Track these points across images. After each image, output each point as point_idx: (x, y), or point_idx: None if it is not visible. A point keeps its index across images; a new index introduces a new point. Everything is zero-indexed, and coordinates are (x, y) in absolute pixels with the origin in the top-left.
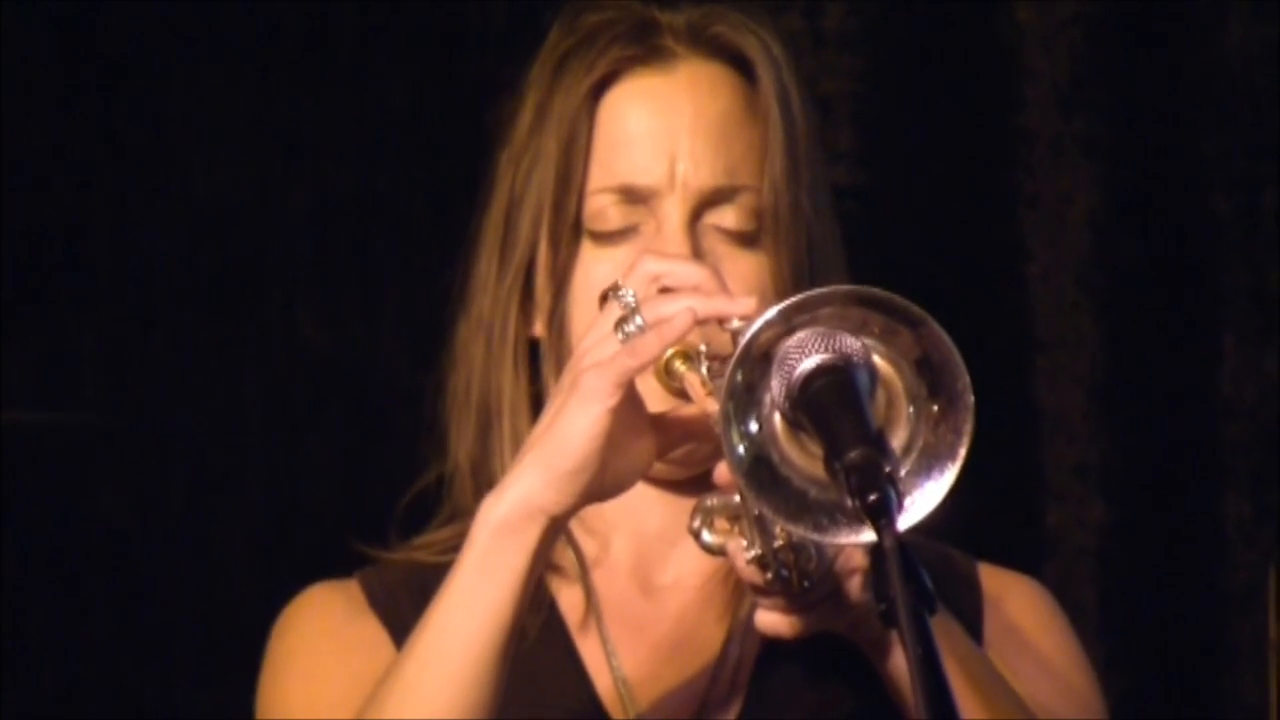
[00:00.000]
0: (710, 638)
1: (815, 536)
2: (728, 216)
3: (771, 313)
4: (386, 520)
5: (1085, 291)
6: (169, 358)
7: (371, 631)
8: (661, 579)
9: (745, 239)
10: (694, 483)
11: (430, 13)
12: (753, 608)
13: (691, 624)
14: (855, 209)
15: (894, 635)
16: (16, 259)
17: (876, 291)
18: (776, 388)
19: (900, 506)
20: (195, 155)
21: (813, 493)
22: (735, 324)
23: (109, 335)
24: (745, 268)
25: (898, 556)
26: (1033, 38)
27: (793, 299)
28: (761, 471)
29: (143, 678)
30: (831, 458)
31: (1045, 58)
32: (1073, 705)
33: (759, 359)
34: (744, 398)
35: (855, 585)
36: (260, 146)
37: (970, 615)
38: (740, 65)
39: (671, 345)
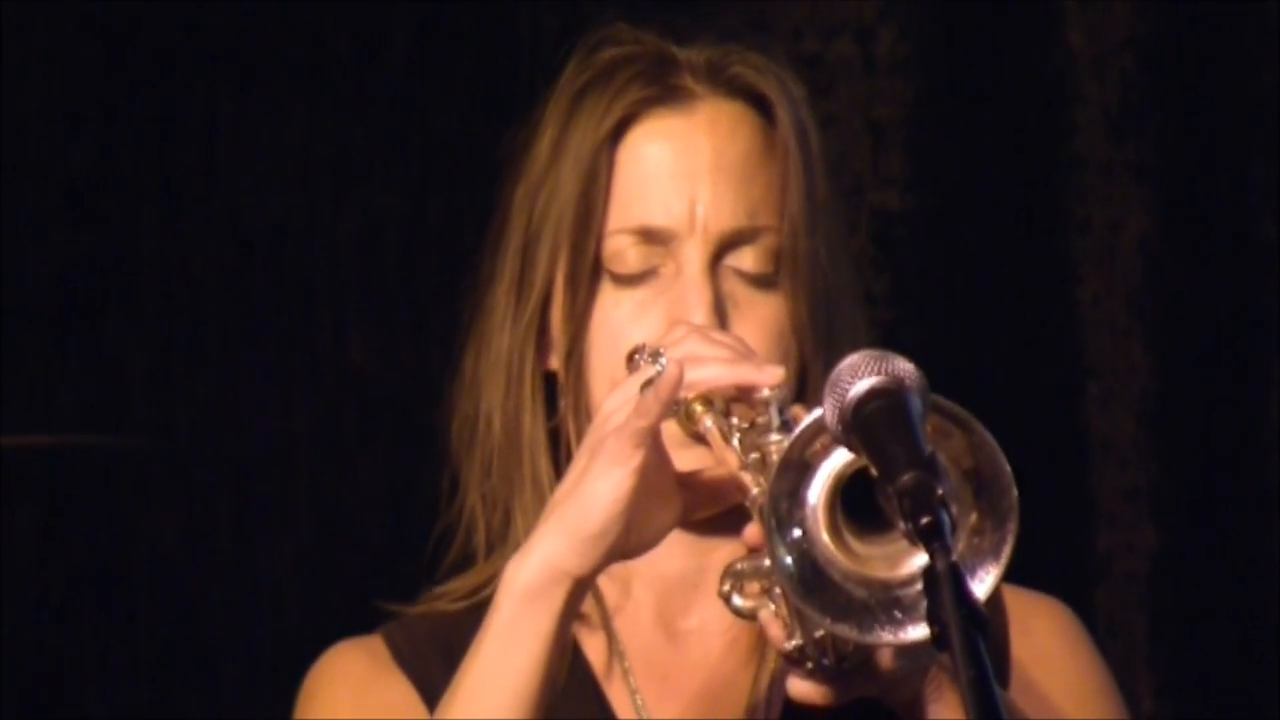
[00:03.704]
0: (737, 684)
1: (859, 637)
2: (747, 259)
3: (811, 418)
4: (427, 545)
5: (1136, 317)
6: (219, 381)
7: (399, 689)
8: (685, 624)
9: (764, 281)
10: (714, 523)
11: (482, 35)
12: (779, 656)
13: (718, 670)
14: (906, 235)
15: (925, 696)
16: (68, 283)
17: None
18: (829, 410)
19: (953, 528)
20: (245, 179)
21: (856, 592)
22: (765, 393)
23: (159, 359)
24: (765, 311)
25: (951, 579)
26: (1084, 63)
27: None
28: (807, 574)
29: (190, 701)
30: (884, 481)
31: (1096, 83)
32: None
33: (798, 467)
34: (786, 507)
35: (887, 655)
36: (310, 170)
37: (995, 636)
38: (758, 104)
39: (667, 399)
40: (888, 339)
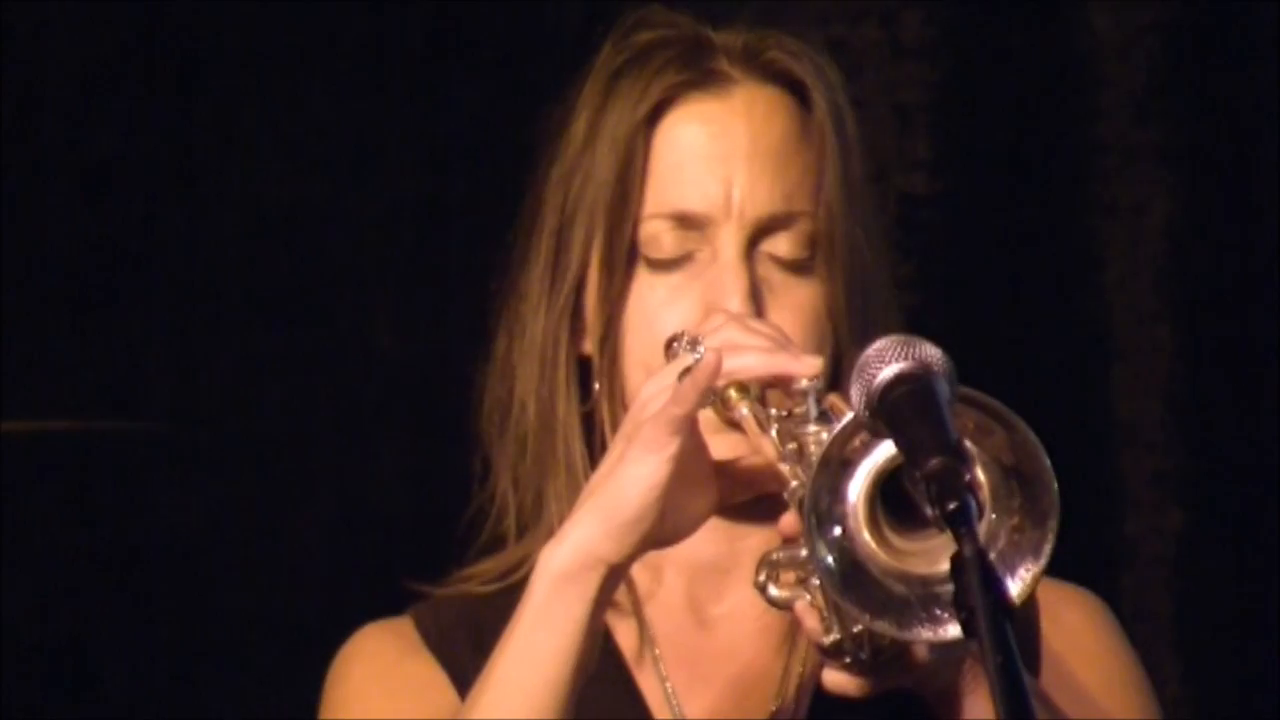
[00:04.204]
0: (767, 671)
1: (897, 633)
2: (782, 244)
3: (850, 417)
4: (461, 527)
5: (1162, 300)
6: (240, 365)
7: (427, 671)
8: (716, 610)
9: (799, 266)
10: (746, 509)
11: (504, 17)
12: (810, 643)
13: (748, 657)
14: (932, 218)
15: (960, 687)
16: (87, 265)
17: (970, 391)
18: (856, 396)
19: (980, 515)
20: (267, 161)
21: (895, 588)
22: (803, 384)
23: (180, 342)
24: (801, 297)
25: (978, 565)
26: (1109, 47)
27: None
28: (846, 571)
29: (212, 687)
30: (911, 466)
31: (1121, 66)
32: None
33: (838, 464)
34: (827, 504)
35: (922, 647)
36: (332, 151)
37: (1026, 627)
38: (794, 89)
39: (705, 388)
40: (912, 323)
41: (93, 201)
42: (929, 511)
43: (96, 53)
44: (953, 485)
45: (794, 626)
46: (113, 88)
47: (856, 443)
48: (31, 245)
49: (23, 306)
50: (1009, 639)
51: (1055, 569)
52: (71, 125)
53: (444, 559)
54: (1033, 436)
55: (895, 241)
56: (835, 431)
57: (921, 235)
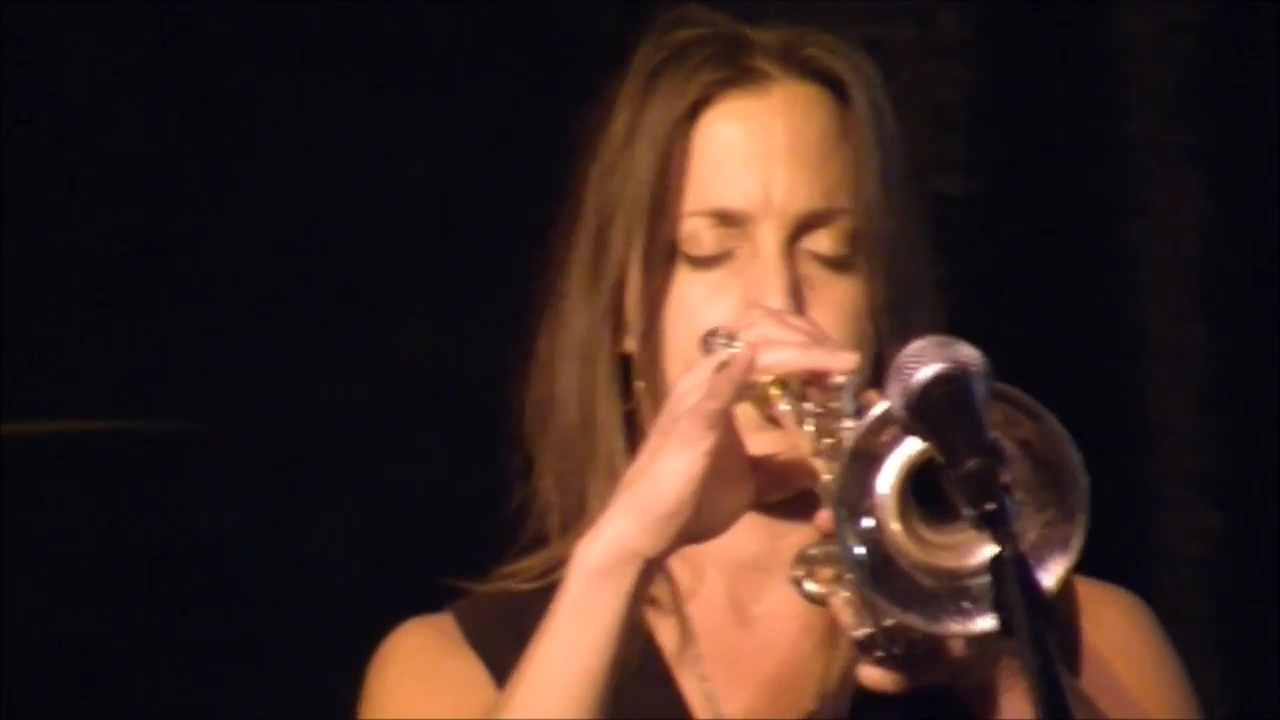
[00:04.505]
0: (808, 669)
1: (926, 627)
2: (823, 241)
3: (880, 408)
4: (488, 529)
5: (1195, 300)
6: (268, 365)
7: (468, 668)
8: (757, 608)
9: (839, 264)
10: (788, 506)
11: (534, 15)
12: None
13: (788, 655)
14: (965, 218)
15: (996, 684)
16: (114, 265)
17: (998, 385)
18: (893, 396)
19: (1018, 515)
20: (296, 161)
21: (925, 582)
22: (840, 380)
23: (208, 342)
24: (840, 294)
25: (1015, 566)
26: (1142, 46)
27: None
28: (876, 564)
29: (244, 687)
30: (948, 467)
31: (1154, 66)
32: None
33: (868, 457)
34: (856, 496)
35: (956, 643)
36: (362, 149)
37: (1066, 627)
38: (832, 86)
39: (740, 382)
40: (947, 323)
41: (121, 201)
42: (966, 512)
43: (125, 52)
44: (989, 486)
45: (835, 625)
46: (139, 82)
47: (886, 436)
48: (61, 246)
49: (53, 307)
50: (1047, 639)
51: (1089, 569)
52: (96, 121)
53: (475, 558)
54: (1061, 429)
55: (930, 241)
56: (865, 424)
57: (955, 235)
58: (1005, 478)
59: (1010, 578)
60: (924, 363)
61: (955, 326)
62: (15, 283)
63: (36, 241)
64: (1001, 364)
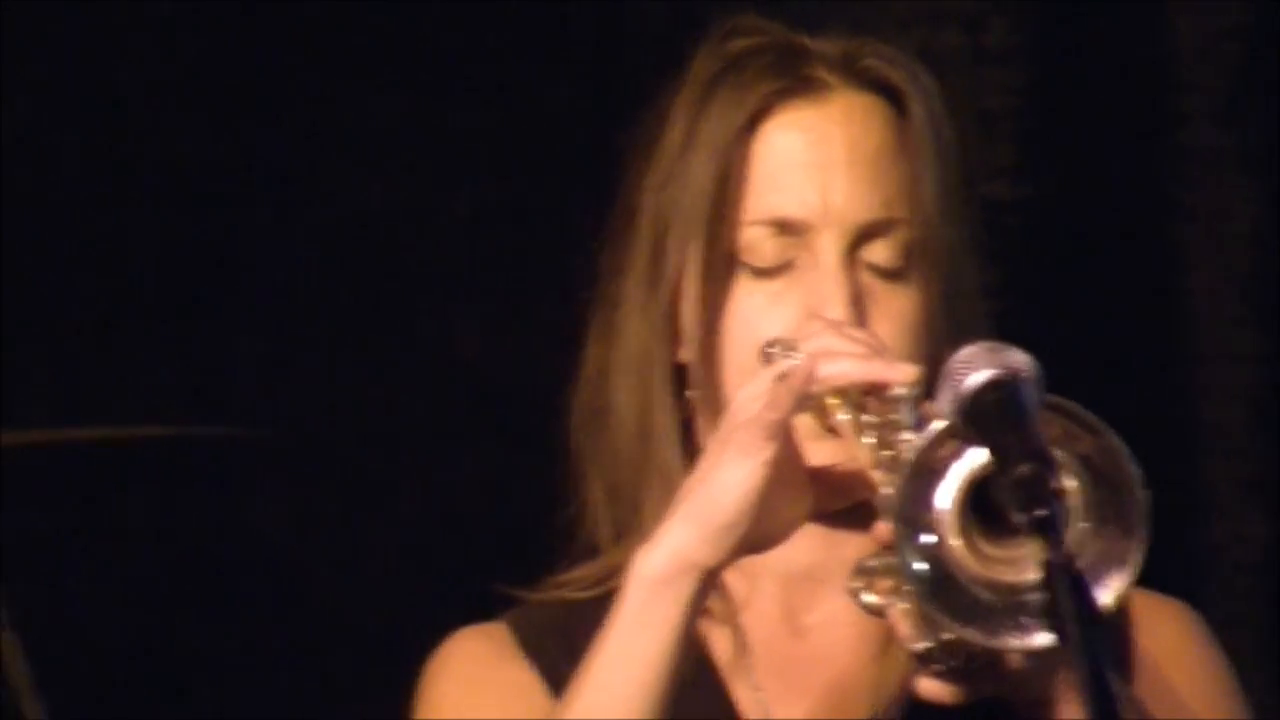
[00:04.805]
0: (862, 680)
1: (985, 641)
2: (880, 252)
3: (939, 425)
4: (541, 537)
5: (1247, 305)
6: (325, 370)
7: (523, 677)
8: (810, 618)
9: (896, 274)
10: (844, 516)
11: (590, 20)
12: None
13: (842, 666)
14: (1016, 224)
15: (1053, 696)
16: (172, 272)
17: (1058, 399)
18: (944, 402)
19: (1067, 523)
20: (353, 166)
21: (983, 596)
22: (900, 392)
23: (265, 348)
24: (898, 305)
25: (1065, 571)
26: (1191, 51)
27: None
28: (935, 578)
29: (301, 691)
30: (999, 472)
31: (1204, 70)
32: None
33: (928, 471)
34: (916, 511)
35: (1015, 655)
36: (418, 157)
37: (1119, 636)
38: (890, 97)
39: (799, 393)
40: (998, 329)
41: (181, 210)
42: (1017, 518)
43: (186, 61)
44: (1041, 492)
45: (889, 635)
46: (202, 92)
47: (946, 450)
48: (123, 254)
49: (113, 314)
50: (1098, 646)
51: (1141, 577)
52: (160, 131)
53: (529, 566)
54: (1121, 443)
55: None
56: (926, 438)
57: (1005, 241)
58: (1055, 483)
59: (1062, 583)
60: (975, 368)
61: (1006, 332)
62: (77, 291)
63: (99, 251)
64: (1053, 370)
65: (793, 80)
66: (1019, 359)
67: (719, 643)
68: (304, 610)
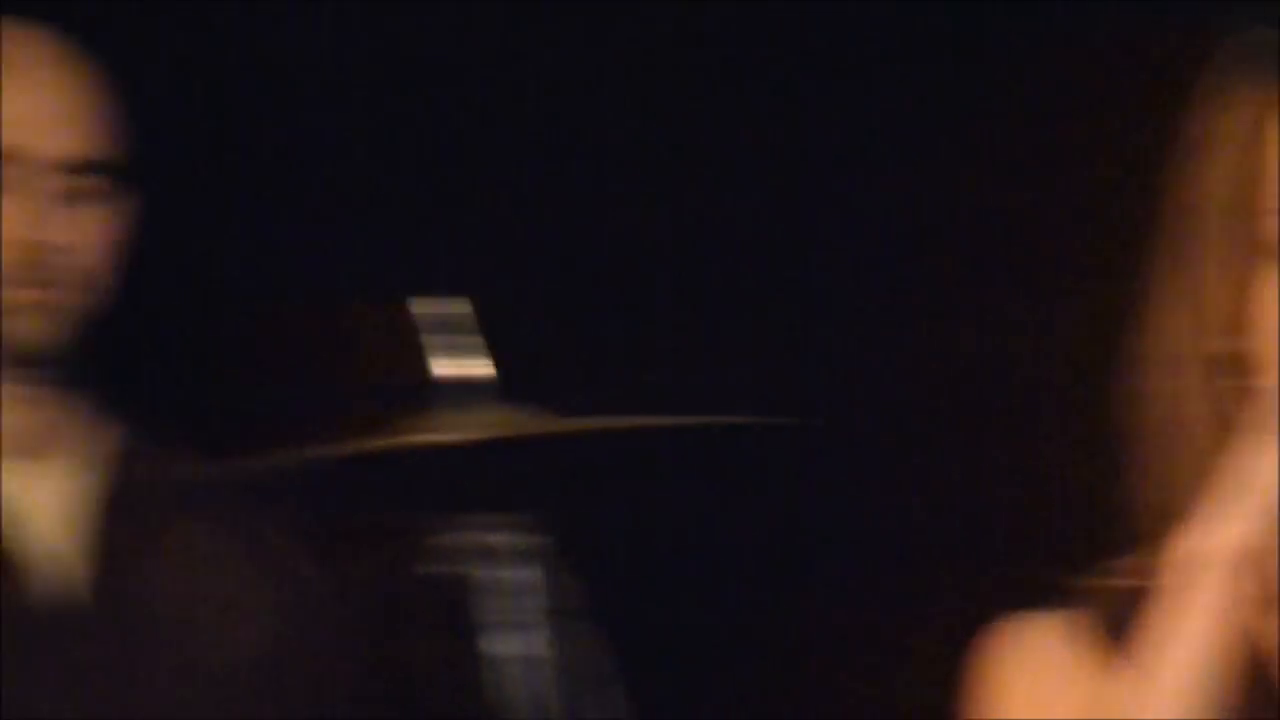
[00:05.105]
0: None
1: None
2: None
3: None
4: (1080, 527)
5: None
6: (859, 359)
7: (1076, 665)
8: None
9: None
10: None
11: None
12: None
13: None
14: None
15: None
16: (730, 268)
17: None
18: None
19: None
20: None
21: None
22: None
23: (807, 339)
24: None
25: None
26: None
27: None
28: None
29: (843, 677)
30: None
31: None
32: None
33: None
34: None
35: None
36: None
37: None
38: None
39: None
40: None
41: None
42: None
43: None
44: None
45: None
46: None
47: None
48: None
49: (672, 308)
50: None
51: None
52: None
53: (1070, 554)
54: None
55: None
56: None
57: None
58: None
59: None
60: None
61: None
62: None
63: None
64: None
65: None
66: None
67: (1266, 634)
68: (846, 597)
